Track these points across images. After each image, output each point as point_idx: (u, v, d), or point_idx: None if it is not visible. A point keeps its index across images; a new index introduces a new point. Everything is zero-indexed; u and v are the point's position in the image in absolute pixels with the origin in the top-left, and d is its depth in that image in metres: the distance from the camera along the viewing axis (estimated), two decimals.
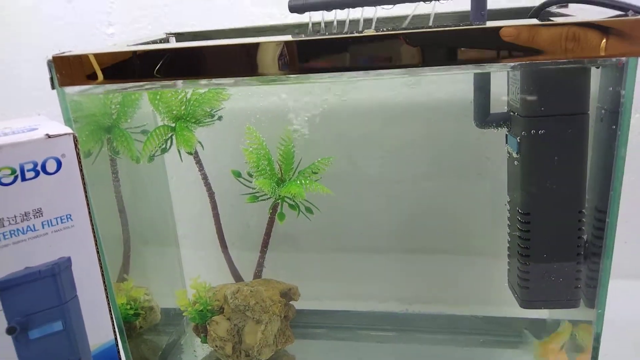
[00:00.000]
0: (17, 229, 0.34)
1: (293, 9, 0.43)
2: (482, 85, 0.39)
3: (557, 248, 0.38)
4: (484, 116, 0.40)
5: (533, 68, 0.34)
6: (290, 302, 0.50)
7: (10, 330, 0.35)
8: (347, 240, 0.54)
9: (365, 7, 0.42)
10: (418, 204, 0.52)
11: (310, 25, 0.45)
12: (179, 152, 0.45)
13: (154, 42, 0.48)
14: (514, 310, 0.42)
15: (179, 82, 0.38)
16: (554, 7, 0.37)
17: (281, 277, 0.50)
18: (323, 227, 0.53)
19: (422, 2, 0.42)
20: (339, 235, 0.54)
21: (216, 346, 0.48)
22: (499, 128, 0.39)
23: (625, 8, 0.31)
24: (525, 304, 0.40)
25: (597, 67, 0.34)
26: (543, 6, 0.36)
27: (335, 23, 0.44)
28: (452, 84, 0.46)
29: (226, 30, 0.51)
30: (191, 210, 0.52)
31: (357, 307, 0.54)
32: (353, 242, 0.54)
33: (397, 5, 0.41)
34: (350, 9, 0.42)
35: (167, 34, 0.52)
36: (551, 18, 0.33)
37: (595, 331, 0.37)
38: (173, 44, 0.48)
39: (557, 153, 0.36)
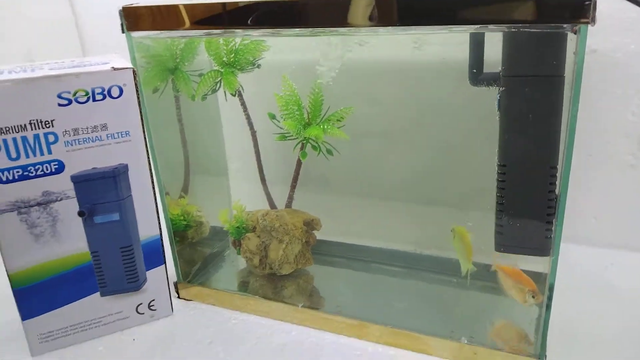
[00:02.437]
0: (88, 137, 0.45)
1: None
2: (476, 46, 0.43)
3: (529, 199, 0.42)
4: (477, 74, 0.44)
5: (512, 31, 0.38)
6: (313, 231, 0.58)
7: (80, 213, 0.47)
8: (371, 185, 0.60)
9: None
10: (434, 159, 0.56)
11: None
12: (225, 93, 0.54)
13: None
14: (516, 262, 0.47)
15: (215, 31, 0.46)
16: None
17: (309, 210, 0.58)
18: (350, 172, 0.60)
19: None
20: (364, 180, 0.60)
21: (247, 257, 0.58)
22: (490, 86, 0.43)
23: None
24: (499, 247, 0.44)
25: (575, 33, 0.37)
26: None
27: None
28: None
29: None
30: (239, 145, 0.61)
31: (372, 243, 0.61)
32: (375, 188, 0.60)
33: None
34: None
35: None
36: None
37: (549, 281, 0.41)
38: None
39: (531, 111, 0.39)
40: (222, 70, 0.54)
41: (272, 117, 0.54)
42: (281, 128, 0.53)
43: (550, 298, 0.42)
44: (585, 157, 0.60)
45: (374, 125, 0.56)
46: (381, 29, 0.39)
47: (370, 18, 0.39)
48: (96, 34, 0.81)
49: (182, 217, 0.59)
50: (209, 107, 0.60)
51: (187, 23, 0.45)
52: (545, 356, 0.44)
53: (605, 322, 0.51)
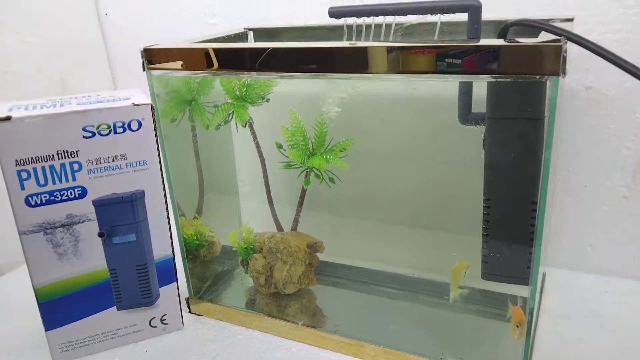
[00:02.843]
0: (109, 166, 0.50)
1: (332, 14, 0.53)
2: (465, 88, 0.46)
3: (511, 232, 0.44)
4: (466, 114, 0.47)
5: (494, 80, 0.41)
6: (316, 253, 0.61)
7: (100, 234, 0.51)
8: (372, 210, 0.64)
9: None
10: (435, 187, 0.59)
11: (345, 27, 0.55)
12: (236, 124, 0.58)
13: (230, 37, 0.61)
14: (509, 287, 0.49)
15: (223, 73, 0.50)
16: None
17: (313, 232, 0.62)
18: (354, 196, 0.63)
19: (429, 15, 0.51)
20: (366, 205, 0.64)
21: (254, 276, 0.62)
22: (478, 125, 0.46)
23: (559, 34, 0.37)
24: (485, 275, 0.47)
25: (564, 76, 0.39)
26: (506, 27, 0.42)
27: (364, 26, 0.53)
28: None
29: (288, 28, 0.63)
30: (249, 170, 0.65)
31: (373, 266, 0.64)
32: (376, 213, 0.63)
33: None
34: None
35: (245, 28, 0.65)
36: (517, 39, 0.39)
37: (529, 306, 0.44)
38: (226, 44, 0.59)
39: (513, 151, 0.42)
40: (234, 103, 0.58)
41: (279, 146, 0.58)
42: (287, 157, 0.57)
43: (530, 322, 0.44)
44: (582, 188, 0.62)
45: (375, 154, 0.60)
46: (375, 76, 0.43)
47: (368, 67, 0.43)
48: (124, 56, 0.86)
49: (195, 237, 0.63)
50: (223, 136, 0.64)
51: (203, 66, 0.50)
52: None
53: (593, 350, 0.53)
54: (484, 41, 0.39)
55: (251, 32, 0.65)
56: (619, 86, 0.57)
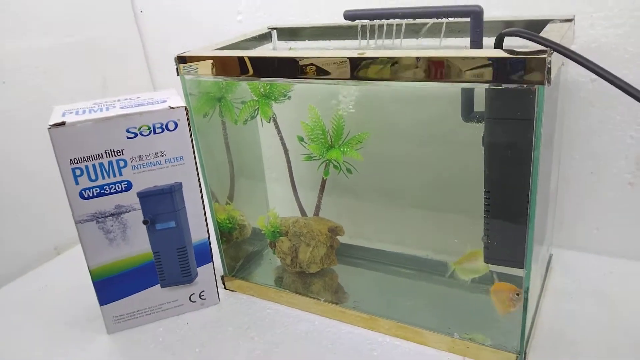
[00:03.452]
0: (150, 162, 0.56)
1: (347, 17, 0.58)
2: (467, 90, 0.50)
3: (509, 221, 0.49)
4: (468, 112, 0.51)
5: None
6: (336, 236, 0.67)
7: (144, 222, 0.58)
8: (389, 196, 0.68)
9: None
10: (449, 174, 0.63)
11: (359, 28, 0.60)
12: (261, 120, 0.64)
13: (255, 37, 0.66)
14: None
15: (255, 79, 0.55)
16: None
17: (334, 216, 0.67)
18: (372, 183, 0.68)
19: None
20: (383, 191, 0.69)
21: (281, 257, 0.68)
22: (479, 123, 0.50)
23: (547, 45, 0.41)
24: (487, 259, 0.52)
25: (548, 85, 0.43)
26: (501, 36, 0.45)
27: (377, 26, 0.58)
28: None
29: (308, 27, 0.67)
30: (275, 160, 0.70)
31: (390, 248, 0.69)
32: (393, 198, 0.68)
33: None
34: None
35: (269, 27, 0.70)
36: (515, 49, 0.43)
37: (524, 285, 0.48)
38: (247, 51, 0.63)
39: (508, 147, 0.47)
40: (258, 100, 0.63)
41: (301, 139, 0.63)
42: (308, 149, 0.62)
43: (526, 299, 0.49)
44: (588, 175, 0.66)
45: (392, 144, 0.64)
46: (380, 83, 0.48)
47: (372, 75, 0.47)
48: (160, 52, 0.93)
49: (228, 221, 0.70)
50: (250, 129, 0.70)
51: (233, 72, 0.55)
52: (525, 353, 0.52)
53: (593, 325, 0.57)
54: (477, 53, 0.43)
55: (274, 31, 0.70)
56: (623, 79, 0.59)
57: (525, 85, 0.41)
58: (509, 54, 0.41)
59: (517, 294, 0.52)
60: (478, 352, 0.54)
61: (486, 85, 0.43)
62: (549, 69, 0.40)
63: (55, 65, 0.79)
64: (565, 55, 0.40)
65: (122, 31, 0.89)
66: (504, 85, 0.42)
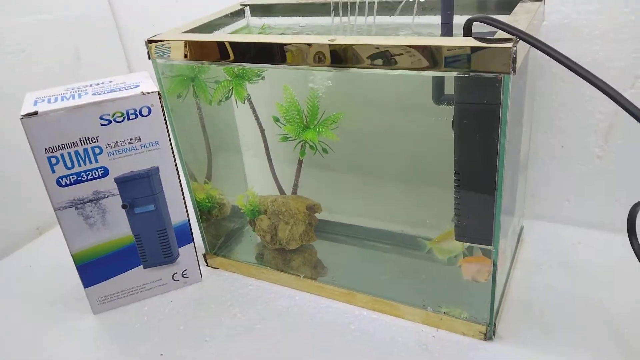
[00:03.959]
0: (126, 148, 0.57)
1: None
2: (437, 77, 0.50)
3: (478, 201, 0.50)
4: (439, 96, 0.51)
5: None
6: (314, 214, 0.68)
7: (123, 206, 0.59)
8: (366, 172, 0.70)
9: None
10: (424, 149, 0.65)
11: (332, 6, 0.60)
12: (236, 100, 0.64)
13: (227, 15, 0.66)
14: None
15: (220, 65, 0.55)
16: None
17: (313, 192, 0.68)
18: (349, 160, 0.69)
19: None
20: (360, 167, 0.70)
21: (261, 235, 0.70)
22: (450, 105, 0.51)
23: (513, 34, 0.41)
24: (458, 237, 0.54)
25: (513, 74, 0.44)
26: (469, 22, 0.45)
27: (349, 5, 0.58)
28: None
29: (285, 4, 0.67)
30: (252, 137, 0.71)
31: (367, 224, 0.71)
32: (369, 174, 0.69)
33: None
34: None
35: (241, 4, 0.69)
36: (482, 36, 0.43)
37: (493, 258, 0.51)
38: (218, 35, 0.60)
39: (476, 131, 0.47)
40: (232, 80, 0.63)
41: (276, 120, 0.63)
42: (284, 130, 0.63)
43: (494, 271, 0.51)
44: (559, 149, 0.67)
45: (368, 120, 0.65)
46: (352, 70, 0.48)
47: (345, 61, 0.47)
48: (132, 26, 0.91)
49: (207, 200, 0.71)
50: (226, 109, 0.70)
51: (206, 57, 0.55)
52: (495, 325, 0.54)
53: (561, 297, 0.59)
54: (445, 40, 0.43)
55: (247, 7, 0.69)
56: (593, 54, 0.60)
57: (490, 74, 0.41)
58: (475, 42, 0.41)
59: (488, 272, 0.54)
60: (450, 324, 0.56)
61: (454, 74, 0.44)
62: (514, 58, 0.40)
63: (32, 43, 0.78)
64: (532, 45, 0.41)
65: (94, 7, 0.87)
66: (471, 74, 0.42)
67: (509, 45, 0.40)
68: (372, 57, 0.46)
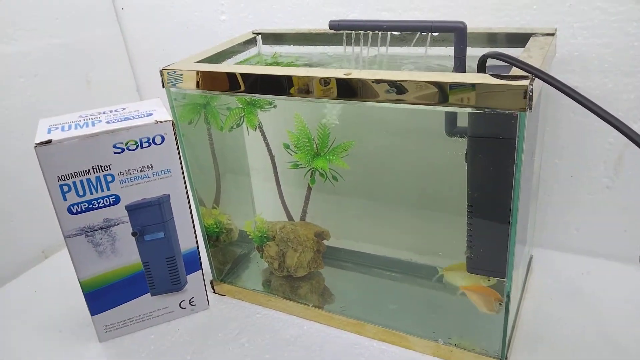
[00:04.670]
0: (138, 176, 0.57)
1: (332, 27, 0.58)
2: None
3: (491, 233, 0.50)
4: (451, 128, 0.52)
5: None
6: (323, 241, 0.68)
7: (133, 234, 0.59)
8: (375, 199, 0.70)
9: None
10: (434, 177, 0.65)
11: (344, 36, 0.60)
12: (247, 127, 0.64)
13: (240, 44, 0.66)
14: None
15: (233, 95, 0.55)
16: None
17: (321, 218, 0.68)
18: (359, 186, 0.69)
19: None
20: (369, 194, 0.70)
21: (268, 261, 0.69)
22: (462, 138, 0.51)
23: (529, 72, 0.41)
24: (470, 269, 0.54)
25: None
26: (484, 59, 0.46)
27: (362, 35, 0.58)
28: None
29: (294, 33, 0.67)
30: (262, 163, 0.71)
31: (376, 251, 0.71)
32: (378, 201, 0.69)
33: None
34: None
35: (254, 32, 0.70)
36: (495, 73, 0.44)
37: (506, 290, 0.50)
38: (230, 66, 0.59)
39: (490, 165, 0.48)
40: (244, 108, 0.63)
41: (287, 147, 0.63)
42: (294, 158, 0.63)
43: (507, 304, 0.51)
44: (568, 178, 0.67)
45: (379, 149, 0.65)
46: (365, 103, 0.48)
47: (358, 95, 0.48)
48: (143, 49, 0.92)
49: (215, 226, 0.71)
50: (236, 135, 0.70)
51: (214, 87, 0.55)
52: (507, 357, 0.54)
53: (572, 327, 0.59)
54: (460, 78, 0.43)
55: (259, 36, 0.70)
56: (602, 87, 0.61)
57: (507, 111, 0.42)
58: (491, 80, 0.42)
59: (500, 303, 0.54)
60: (461, 356, 0.56)
61: (468, 110, 0.44)
62: (531, 96, 0.40)
63: (43, 67, 0.78)
64: (548, 83, 0.41)
65: (104, 30, 0.87)
66: (486, 110, 0.43)
67: (526, 83, 0.40)
68: (387, 92, 0.46)
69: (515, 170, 0.44)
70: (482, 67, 0.46)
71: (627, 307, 0.61)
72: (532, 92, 0.40)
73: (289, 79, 0.50)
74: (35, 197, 0.72)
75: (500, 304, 0.55)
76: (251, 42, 0.69)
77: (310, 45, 0.67)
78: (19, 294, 0.74)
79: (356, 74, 0.47)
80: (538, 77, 0.41)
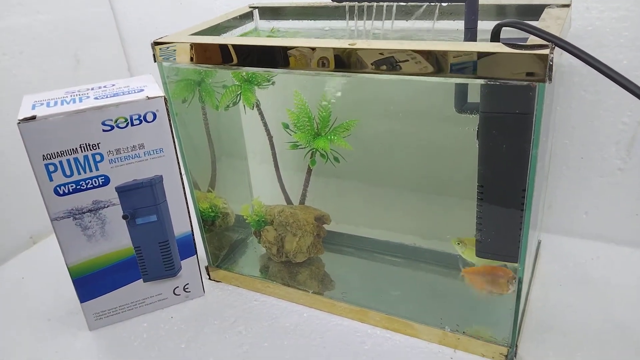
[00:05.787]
0: (129, 155, 0.53)
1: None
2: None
3: (503, 215, 0.48)
4: (461, 104, 0.49)
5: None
6: (323, 225, 0.65)
7: (124, 217, 0.56)
8: (377, 181, 0.67)
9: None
10: (440, 158, 0.62)
11: (347, 9, 0.57)
12: (244, 106, 0.61)
13: (236, 18, 0.63)
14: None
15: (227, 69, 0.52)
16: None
17: (322, 203, 0.65)
18: (360, 168, 0.66)
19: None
20: (371, 176, 0.67)
21: (266, 247, 0.67)
22: (473, 115, 0.48)
23: (549, 40, 0.39)
24: (479, 253, 0.51)
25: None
26: (498, 27, 0.43)
27: (365, 8, 0.55)
28: None
29: (292, 7, 0.64)
30: (259, 144, 0.68)
31: (378, 235, 0.68)
32: (381, 183, 0.67)
33: None
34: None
35: (250, 6, 0.66)
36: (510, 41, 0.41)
37: (518, 276, 0.48)
38: (225, 38, 0.58)
39: (504, 142, 0.45)
40: (240, 85, 0.60)
41: (286, 127, 0.60)
42: (293, 137, 0.60)
43: (519, 290, 0.48)
44: (579, 160, 0.65)
45: (380, 130, 0.62)
46: (370, 76, 0.45)
47: (362, 67, 0.45)
48: (133, 27, 0.88)
49: (210, 210, 0.68)
50: (232, 113, 0.67)
51: (214, 61, 0.52)
52: (516, 345, 0.52)
53: (581, 314, 0.57)
54: (475, 46, 0.40)
55: (256, 10, 0.66)
56: (617, 64, 0.58)
57: (524, 83, 0.39)
58: (508, 48, 0.39)
59: (514, 280, 0.51)
60: (469, 344, 0.53)
61: (482, 81, 0.41)
62: (551, 65, 0.38)
63: (31, 44, 0.74)
64: (570, 52, 0.38)
65: (94, 7, 0.84)
66: (501, 83, 0.40)
67: (546, 52, 0.37)
68: (394, 64, 0.43)
69: (532, 147, 0.41)
70: (495, 37, 0.43)
71: (638, 294, 0.58)
72: (552, 61, 0.37)
73: (289, 50, 0.47)
74: (22, 180, 0.69)
75: (514, 280, 0.52)
76: (247, 16, 0.65)
77: (311, 20, 0.64)
78: (5, 281, 0.71)
79: (362, 44, 0.44)
80: (558, 46, 0.38)
